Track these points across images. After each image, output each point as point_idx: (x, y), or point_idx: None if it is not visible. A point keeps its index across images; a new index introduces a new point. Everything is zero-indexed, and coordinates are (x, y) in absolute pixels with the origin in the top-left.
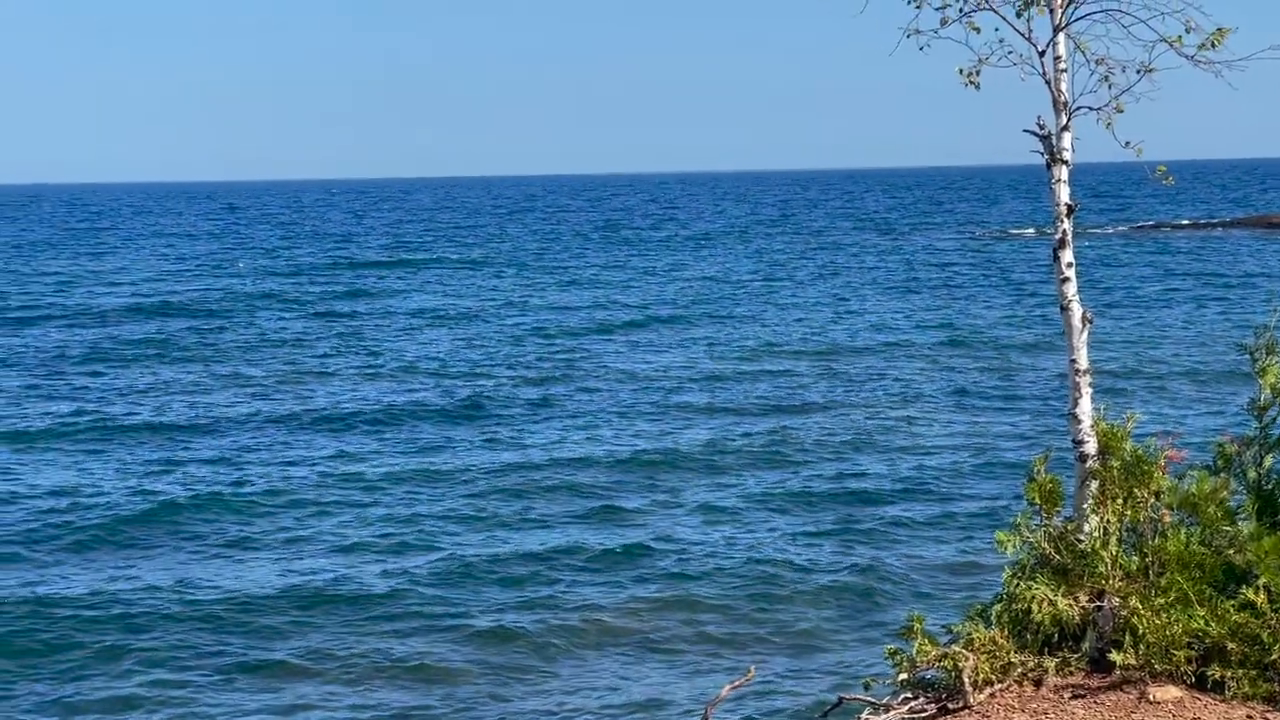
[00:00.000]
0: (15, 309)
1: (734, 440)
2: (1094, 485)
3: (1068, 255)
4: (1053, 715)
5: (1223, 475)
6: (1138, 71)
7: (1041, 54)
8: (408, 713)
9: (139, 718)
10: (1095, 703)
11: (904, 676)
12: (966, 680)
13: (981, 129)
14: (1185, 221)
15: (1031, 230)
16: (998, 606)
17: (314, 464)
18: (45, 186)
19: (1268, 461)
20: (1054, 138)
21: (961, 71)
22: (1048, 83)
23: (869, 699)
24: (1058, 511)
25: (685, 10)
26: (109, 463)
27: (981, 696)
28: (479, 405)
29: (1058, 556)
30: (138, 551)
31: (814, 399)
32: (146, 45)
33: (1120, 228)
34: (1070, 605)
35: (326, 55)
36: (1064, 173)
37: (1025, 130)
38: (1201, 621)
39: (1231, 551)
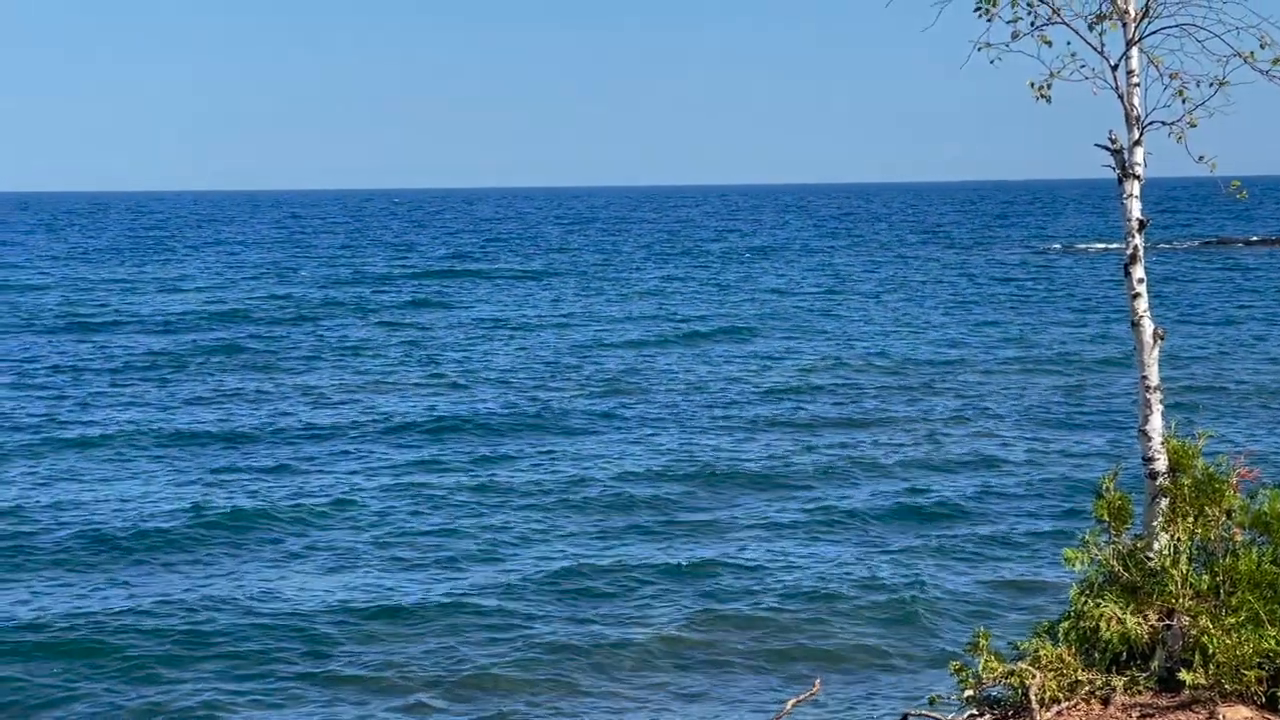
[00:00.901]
0: (83, 315)
1: (797, 455)
2: (1164, 503)
3: (1139, 271)
4: None
5: None
6: (1211, 86)
7: (1114, 68)
8: None
9: None
10: None
11: (969, 693)
12: (1033, 698)
13: (1044, 142)
14: (1255, 238)
15: (1099, 245)
16: (1065, 624)
17: (375, 475)
18: (111, 195)
19: None
20: (1126, 152)
21: (1033, 85)
22: (1120, 97)
23: (934, 714)
24: (1127, 529)
25: (745, 19)
26: (171, 471)
27: (1048, 714)
28: (541, 417)
29: (1126, 574)
30: (198, 560)
31: (879, 414)
32: (209, 55)
33: (1190, 243)
34: (1139, 623)
35: (387, 63)
36: (1136, 188)
37: (1097, 145)
38: (1273, 641)
39: None
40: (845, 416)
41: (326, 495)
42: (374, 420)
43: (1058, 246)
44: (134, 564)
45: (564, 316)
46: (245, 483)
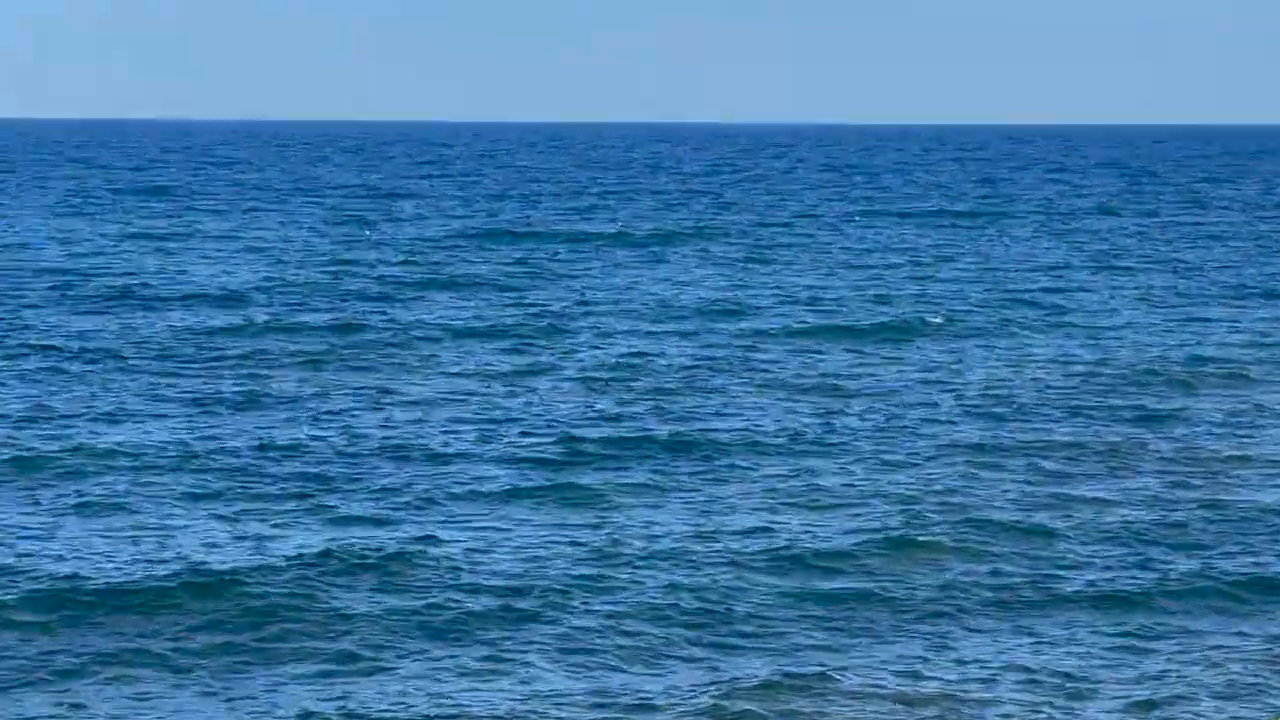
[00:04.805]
0: (139, 291)
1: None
2: None
3: None
4: None
5: None
6: None
7: None
8: None
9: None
10: None
11: None
12: None
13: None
14: None
15: None
16: None
17: (480, 501)
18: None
19: None
20: None
21: None
22: None
23: None
24: None
25: None
26: (256, 511)
27: None
28: (692, 438)
29: None
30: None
31: (1165, 436)
32: None
33: None
34: None
35: None
36: None
37: None
38: None
39: None
40: (1134, 436)
41: (428, 516)
42: (481, 434)
43: None
44: None
45: (722, 290)
46: (343, 514)
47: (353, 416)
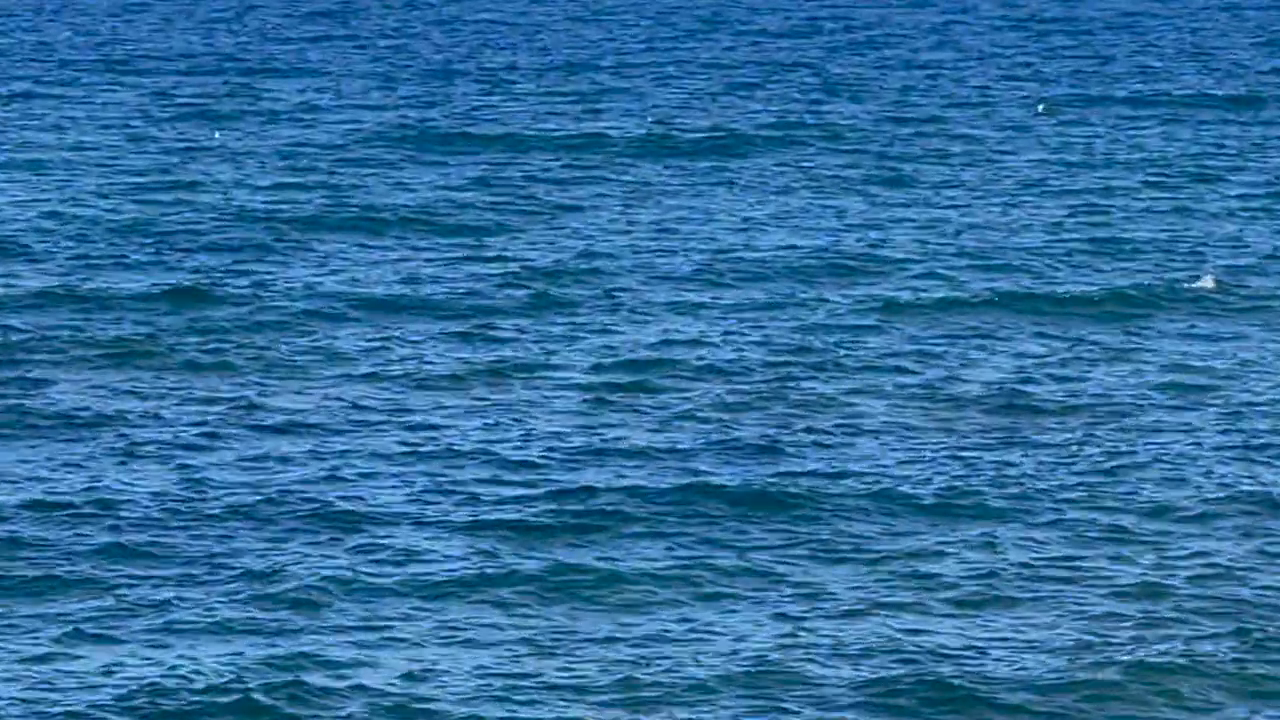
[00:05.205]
0: None
1: None
2: None
3: None
4: None
5: None
6: None
7: None
8: None
9: None
10: None
11: None
12: None
13: None
14: None
15: None
16: None
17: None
18: None
19: None
20: None
21: None
22: None
23: None
24: None
25: None
26: None
27: None
28: (773, 493)
29: None
30: None
31: None
32: None
33: None
34: None
35: None
36: None
37: None
38: None
39: None
40: None
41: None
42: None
43: None
44: None
45: (844, 241)
46: None
47: (190, 452)
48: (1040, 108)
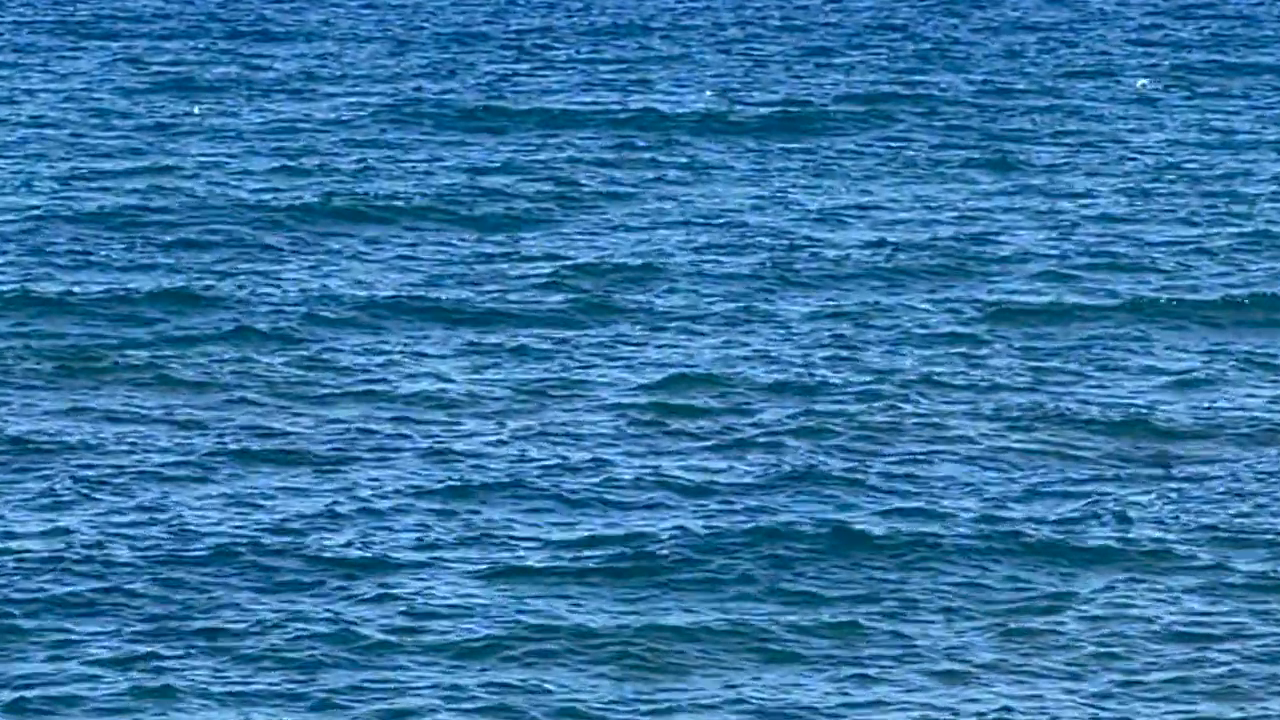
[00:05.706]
0: None
1: None
2: None
3: None
4: None
5: None
6: None
7: None
8: None
9: None
10: None
11: None
12: None
13: None
14: None
15: None
16: None
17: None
18: None
19: None
20: None
21: None
22: None
23: None
24: None
25: None
26: None
27: None
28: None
29: None
30: None
31: None
32: None
33: None
34: None
35: None
36: None
37: None
38: None
39: None
40: None
41: None
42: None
43: None
44: None
45: (949, 235)
46: None
47: (167, 485)
48: (1141, 84)
